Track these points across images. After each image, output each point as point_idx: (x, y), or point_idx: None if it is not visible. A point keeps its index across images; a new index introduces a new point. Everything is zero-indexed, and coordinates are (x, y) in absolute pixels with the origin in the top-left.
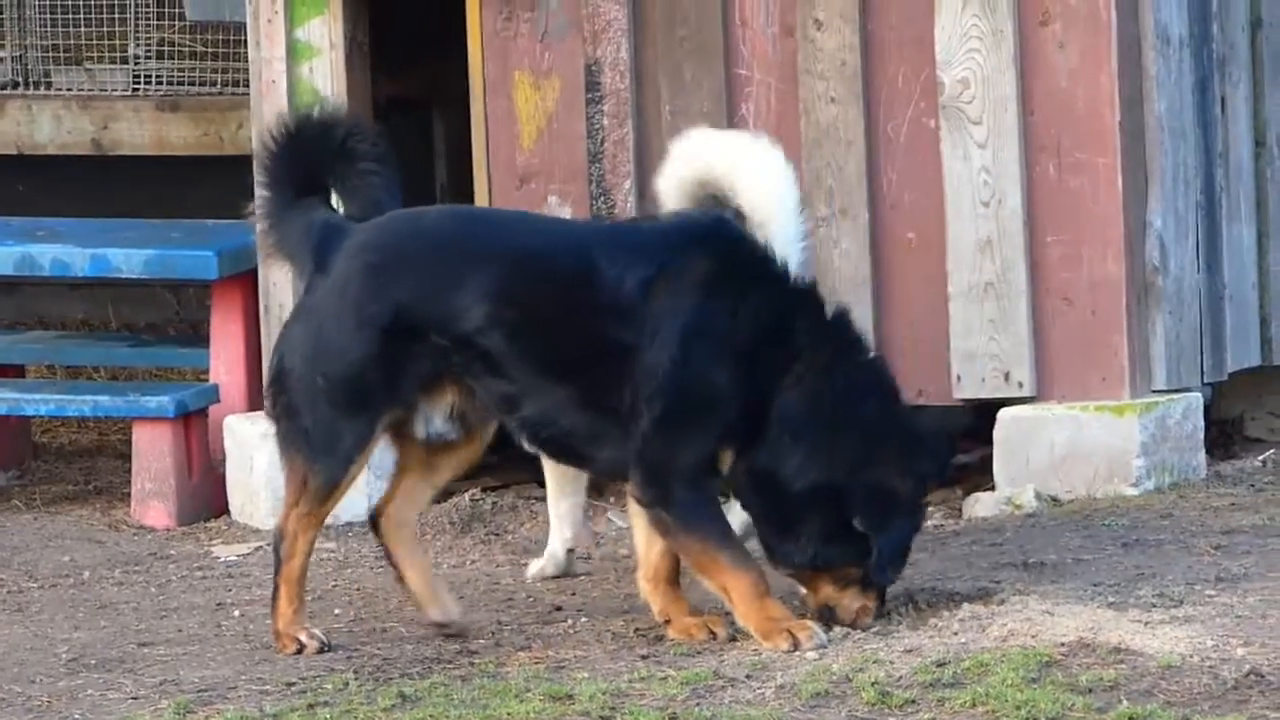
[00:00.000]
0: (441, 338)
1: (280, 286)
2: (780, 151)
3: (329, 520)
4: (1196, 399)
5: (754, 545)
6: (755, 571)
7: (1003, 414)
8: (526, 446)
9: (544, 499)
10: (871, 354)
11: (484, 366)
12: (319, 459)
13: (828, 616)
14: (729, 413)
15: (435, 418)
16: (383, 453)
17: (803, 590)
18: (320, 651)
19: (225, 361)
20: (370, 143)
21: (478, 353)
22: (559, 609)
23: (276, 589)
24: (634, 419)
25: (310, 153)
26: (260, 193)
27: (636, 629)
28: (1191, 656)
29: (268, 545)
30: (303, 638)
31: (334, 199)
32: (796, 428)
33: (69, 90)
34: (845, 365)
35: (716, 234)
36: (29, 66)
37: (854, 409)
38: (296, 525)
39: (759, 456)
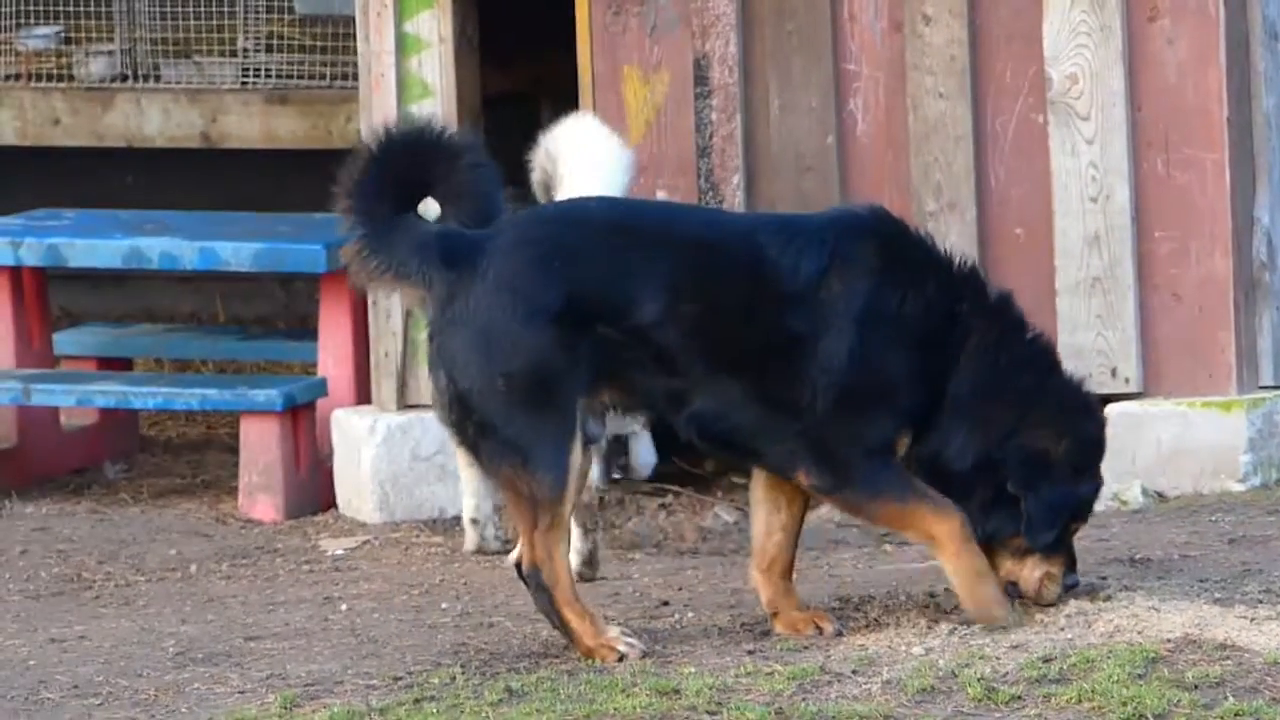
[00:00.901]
0: (612, 329)
1: None
2: (606, 131)
3: (434, 514)
4: None
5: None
6: (961, 515)
7: (1110, 410)
8: (695, 443)
9: (650, 494)
10: (1034, 332)
11: (654, 360)
12: (535, 467)
13: (1014, 593)
14: (906, 397)
15: (590, 420)
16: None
17: None
18: (644, 656)
19: (333, 355)
20: (470, 144)
21: (649, 345)
22: (665, 604)
23: (561, 619)
24: (809, 408)
25: (405, 168)
26: (353, 218)
27: (743, 624)
28: None
29: (375, 540)
30: (620, 647)
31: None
32: (967, 408)
33: (178, 83)
34: (1011, 345)
35: (881, 221)
36: (138, 60)
37: (1015, 383)
38: (547, 546)
39: (932, 439)
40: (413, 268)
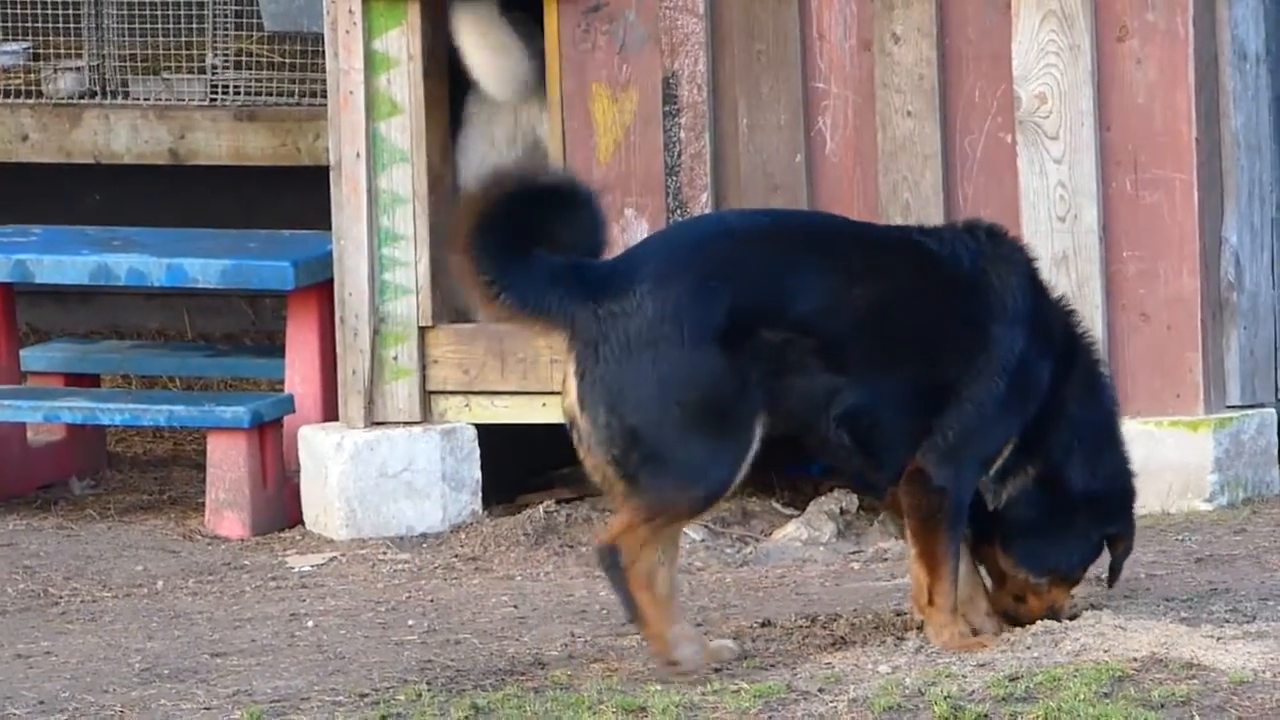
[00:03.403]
0: (776, 331)
1: (356, 297)
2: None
3: (401, 531)
4: (1271, 415)
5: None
6: (955, 595)
7: None
8: (838, 440)
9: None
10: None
11: (816, 356)
12: (699, 483)
13: (1013, 617)
14: (1032, 407)
15: None
16: (460, 464)
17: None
18: (740, 654)
19: (300, 372)
20: (580, 182)
21: (813, 340)
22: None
23: (633, 601)
24: (948, 400)
25: (525, 206)
26: (482, 258)
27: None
28: (1264, 672)
29: (342, 557)
30: (684, 650)
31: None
32: (1089, 430)
33: (146, 100)
34: (1101, 373)
35: (1005, 233)
36: (106, 76)
37: (1113, 419)
38: (649, 536)
39: (1050, 454)
40: (551, 304)
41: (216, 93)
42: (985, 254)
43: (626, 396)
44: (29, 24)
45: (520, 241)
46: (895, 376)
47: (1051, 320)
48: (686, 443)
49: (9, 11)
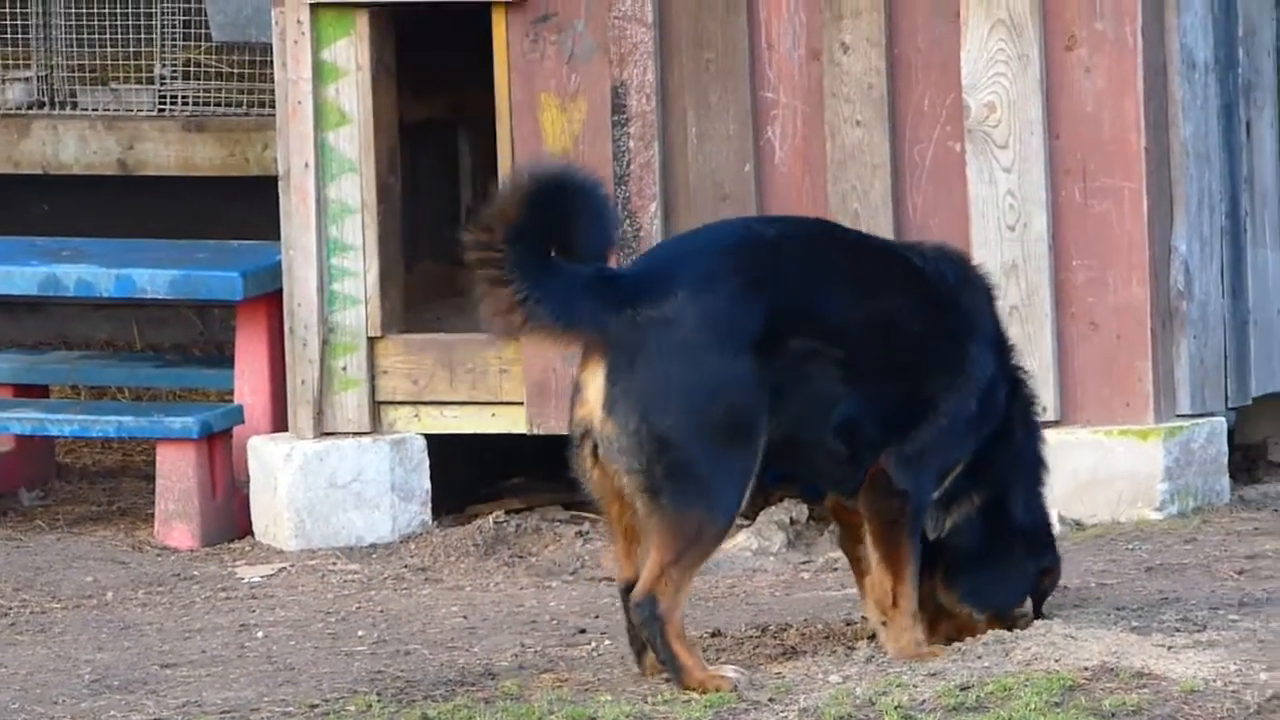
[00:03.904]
0: (806, 339)
1: (305, 308)
2: None
3: (350, 541)
4: (1220, 424)
5: None
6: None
7: None
8: (831, 449)
9: (567, 521)
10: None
11: (835, 365)
12: (718, 507)
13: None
14: (988, 429)
15: None
16: (410, 475)
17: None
18: (751, 684)
19: (250, 382)
20: (596, 182)
21: (837, 351)
22: (582, 631)
23: (670, 652)
24: (926, 412)
25: (555, 211)
26: (511, 268)
27: None
28: (1214, 681)
29: (292, 567)
30: (729, 673)
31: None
32: (1030, 461)
33: (95, 110)
34: (1034, 404)
35: (968, 258)
36: (55, 86)
37: (1044, 450)
38: (680, 580)
39: (993, 481)
40: (582, 314)
41: (165, 103)
42: (961, 275)
43: (662, 403)
44: None
45: (548, 250)
46: (892, 388)
47: (1007, 348)
48: (714, 455)
49: None
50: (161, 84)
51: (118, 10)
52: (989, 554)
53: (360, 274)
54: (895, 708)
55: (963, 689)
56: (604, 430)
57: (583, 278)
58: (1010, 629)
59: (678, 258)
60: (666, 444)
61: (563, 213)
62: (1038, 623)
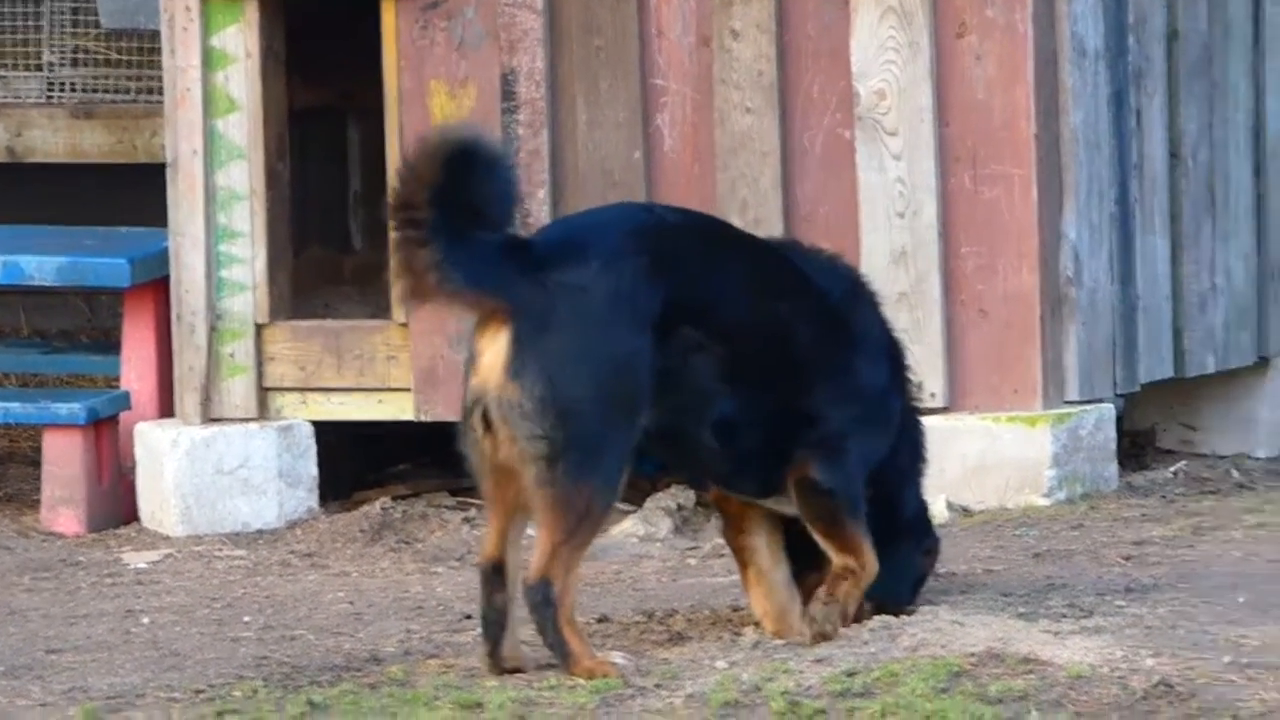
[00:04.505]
0: (694, 330)
1: (193, 294)
2: None
3: (237, 527)
4: (1109, 410)
5: None
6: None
7: None
8: (707, 445)
9: (454, 508)
10: None
11: (717, 359)
12: (605, 481)
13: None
14: (894, 428)
15: None
16: (297, 461)
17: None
18: (637, 670)
19: (137, 368)
20: (504, 151)
21: (721, 346)
22: (469, 617)
23: (560, 638)
24: (824, 417)
25: (471, 177)
26: (431, 233)
27: None
28: (1101, 667)
29: (178, 553)
30: (617, 660)
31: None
32: (917, 456)
33: None
34: (914, 389)
35: (854, 268)
36: None
37: (924, 435)
38: (570, 562)
39: (889, 478)
40: (493, 279)
41: (53, 90)
42: (850, 288)
43: (571, 370)
44: None
45: (464, 217)
46: (773, 394)
47: (897, 352)
48: (611, 429)
49: None
50: (50, 71)
51: None
52: (881, 550)
53: (248, 261)
54: (781, 694)
55: (849, 675)
56: (505, 394)
57: (494, 243)
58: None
59: (587, 229)
60: (570, 412)
61: (476, 178)
62: (924, 609)
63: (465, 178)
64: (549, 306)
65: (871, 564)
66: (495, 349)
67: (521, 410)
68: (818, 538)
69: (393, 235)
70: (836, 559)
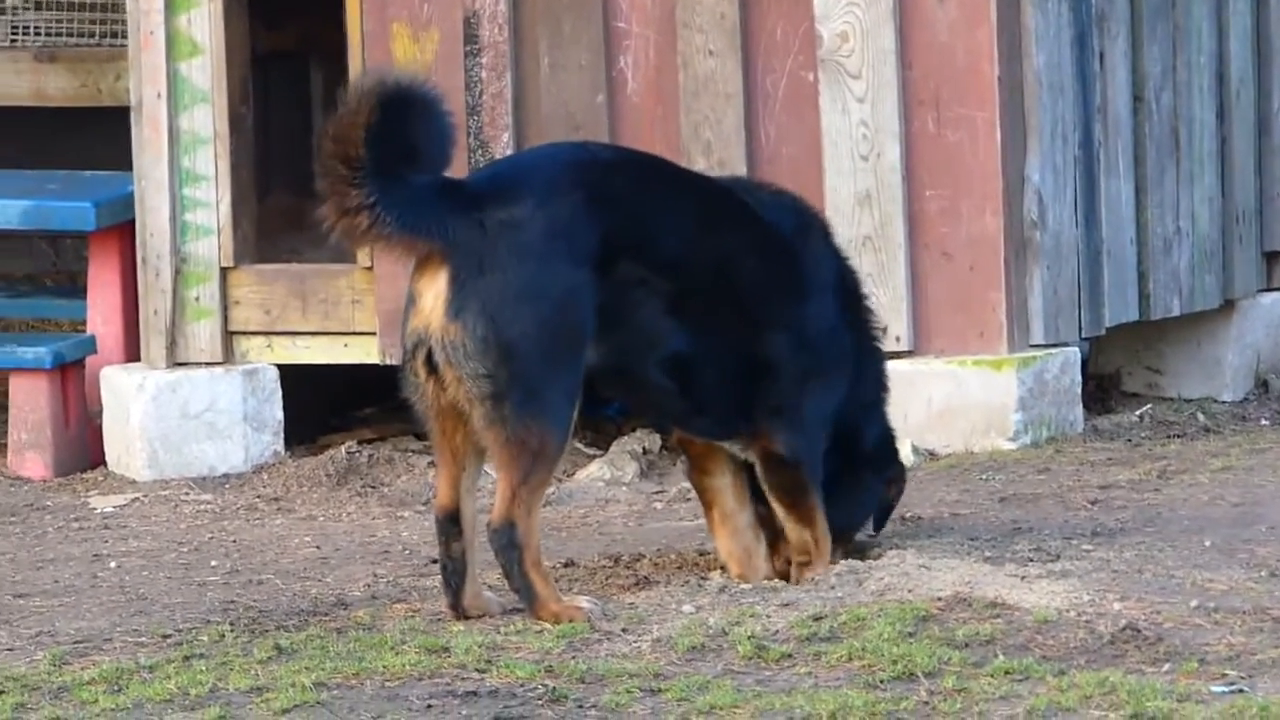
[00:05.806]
0: (635, 265)
1: (158, 238)
2: None
3: (203, 472)
4: (1074, 354)
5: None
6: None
7: None
8: (658, 383)
9: (420, 451)
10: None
11: (661, 296)
12: (553, 419)
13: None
14: (851, 369)
15: None
16: (262, 405)
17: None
18: (604, 614)
19: (102, 312)
20: (440, 95)
21: (665, 281)
22: (435, 561)
23: (526, 581)
24: (786, 364)
25: (405, 119)
26: (366, 175)
27: None
28: (1068, 611)
29: (144, 497)
30: (584, 604)
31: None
32: (870, 386)
33: None
34: (873, 321)
35: (804, 201)
36: None
37: (884, 363)
38: (530, 502)
39: (845, 416)
40: (427, 220)
41: (16, 34)
42: (799, 222)
43: (512, 307)
44: None
45: (399, 158)
46: (723, 331)
47: (852, 286)
48: (555, 367)
49: None
50: (13, 14)
51: None
52: (840, 482)
53: (213, 204)
54: (748, 638)
55: (816, 619)
56: (447, 335)
57: (427, 185)
58: (848, 549)
59: (521, 168)
60: (514, 349)
61: (411, 120)
62: (891, 553)
63: (401, 119)
64: (486, 245)
65: (826, 540)
66: (434, 290)
67: (465, 350)
68: (777, 507)
69: (324, 176)
70: (793, 531)
